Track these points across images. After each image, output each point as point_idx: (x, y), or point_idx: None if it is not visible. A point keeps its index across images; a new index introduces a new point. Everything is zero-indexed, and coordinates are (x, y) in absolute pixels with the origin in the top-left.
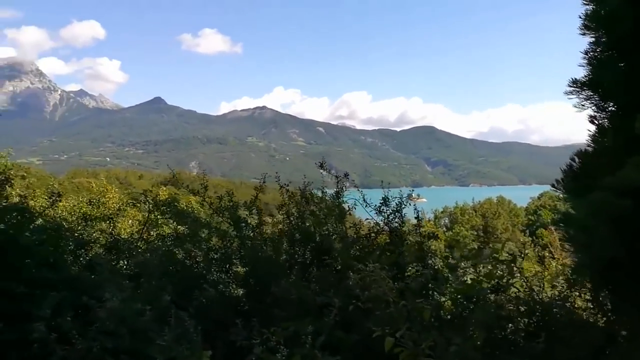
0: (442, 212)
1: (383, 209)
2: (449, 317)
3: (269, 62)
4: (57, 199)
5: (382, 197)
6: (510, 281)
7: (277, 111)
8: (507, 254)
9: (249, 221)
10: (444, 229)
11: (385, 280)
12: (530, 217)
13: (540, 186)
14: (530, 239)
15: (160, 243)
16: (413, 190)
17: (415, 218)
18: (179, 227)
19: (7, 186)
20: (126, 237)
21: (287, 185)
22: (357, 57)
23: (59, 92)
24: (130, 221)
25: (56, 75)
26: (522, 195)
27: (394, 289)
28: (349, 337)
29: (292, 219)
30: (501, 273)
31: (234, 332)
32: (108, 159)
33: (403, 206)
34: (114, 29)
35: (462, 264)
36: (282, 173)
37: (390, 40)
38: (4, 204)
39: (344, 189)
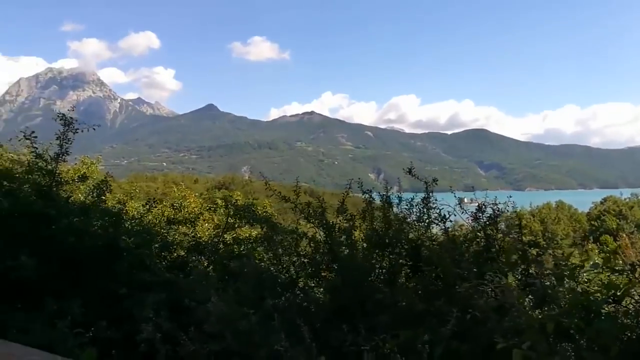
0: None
1: (479, 215)
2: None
3: (316, 68)
4: (153, 205)
5: (478, 204)
6: (632, 291)
7: (325, 116)
8: (621, 263)
9: (338, 226)
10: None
11: (514, 289)
12: (593, 222)
13: (602, 190)
14: (595, 245)
15: (239, 247)
16: (454, 194)
17: (517, 225)
18: (259, 230)
19: (107, 192)
20: (206, 239)
21: (370, 192)
22: (405, 60)
23: (119, 101)
24: (206, 224)
25: (115, 84)
26: (583, 200)
27: (521, 298)
28: (467, 348)
29: (375, 224)
30: (619, 282)
31: (337, 338)
32: (164, 164)
33: (498, 212)
34: (168, 39)
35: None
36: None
37: (439, 42)
38: (103, 208)
39: (398, 192)
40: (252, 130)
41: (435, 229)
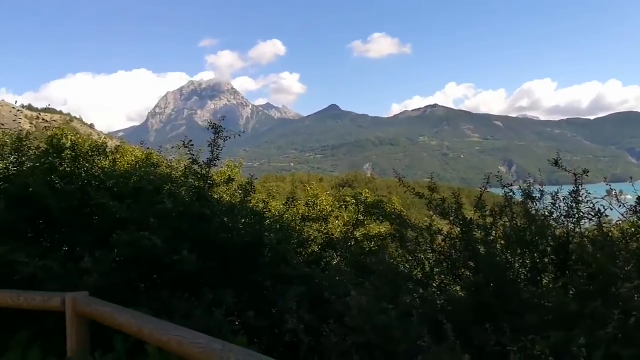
0: None
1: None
2: None
3: (439, 59)
4: (292, 203)
5: (639, 196)
6: None
7: (449, 108)
8: None
9: (476, 222)
10: None
11: None
12: None
13: None
14: None
15: (370, 243)
16: (609, 185)
17: None
18: (388, 227)
19: (251, 193)
20: (338, 236)
21: (511, 185)
22: (536, 43)
23: (250, 107)
24: (337, 221)
25: (247, 91)
26: None
27: None
28: (630, 353)
29: (517, 220)
30: None
31: (480, 337)
32: (292, 164)
33: None
34: (293, 45)
35: None
36: (456, 171)
37: (574, 17)
38: (250, 207)
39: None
40: (373, 128)
41: (586, 225)
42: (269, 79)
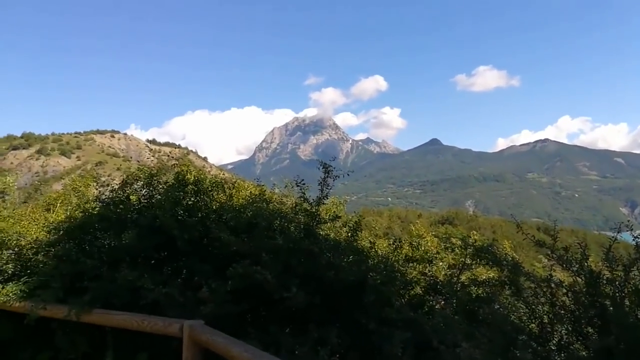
0: None
1: None
2: None
3: (550, 92)
4: (399, 244)
5: None
6: None
7: (562, 143)
8: None
9: (604, 276)
10: None
11: None
12: None
13: None
14: None
15: (477, 289)
16: None
17: None
18: (497, 272)
19: (358, 231)
20: (442, 279)
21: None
22: None
23: (350, 142)
24: (441, 263)
25: (348, 126)
26: None
27: None
28: None
29: None
30: None
31: None
32: (389, 198)
33: None
34: (395, 80)
35: None
36: (569, 211)
37: None
38: (354, 245)
39: None
40: (477, 163)
41: None
42: (369, 114)
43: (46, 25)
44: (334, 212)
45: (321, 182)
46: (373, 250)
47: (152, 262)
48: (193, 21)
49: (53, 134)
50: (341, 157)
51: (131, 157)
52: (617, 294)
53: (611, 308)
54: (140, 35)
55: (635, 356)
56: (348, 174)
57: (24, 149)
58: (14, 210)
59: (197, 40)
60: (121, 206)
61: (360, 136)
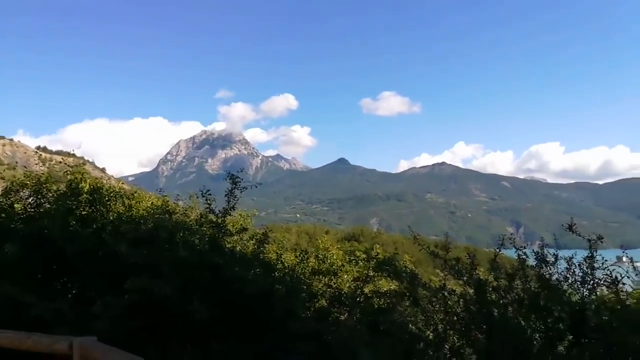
0: None
1: None
2: None
3: (448, 119)
4: (306, 256)
5: None
6: None
7: (457, 167)
8: None
9: (490, 284)
10: None
11: None
12: None
13: None
14: None
15: (379, 300)
16: (625, 252)
17: None
18: (398, 284)
19: (265, 244)
20: (346, 291)
21: (524, 247)
22: (546, 105)
23: (260, 157)
24: (345, 276)
25: (258, 142)
26: None
27: None
28: None
29: (530, 284)
30: None
31: None
32: (298, 215)
33: None
34: (305, 99)
35: None
36: (463, 230)
37: (583, 83)
38: (261, 258)
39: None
40: (381, 183)
41: (601, 292)
42: (279, 131)
43: None
44: (241, 224)
45: (228, 194)
46: (280, 262)
47: (39, 275)
48: (96, 19)
49: None
50: (251, 172)
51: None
52: (502, 301)
53: (496, 313)
54: (30, 31)
55: (515, 357)
56: (256, 186)
57: None
58: None
59: (99, 41)
60: (3, 215)
61: (270, 152)
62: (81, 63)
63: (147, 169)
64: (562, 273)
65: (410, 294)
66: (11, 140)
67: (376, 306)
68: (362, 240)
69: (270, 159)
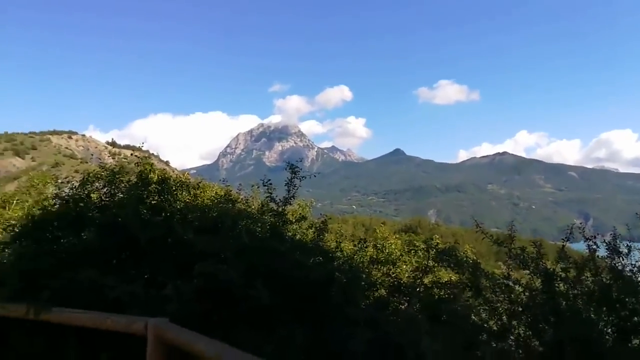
0: None
1: None
2: None
3: (509, 106)
4: (365, 244)
5: None
6: None
7: (519, 156)
8: None
9: (558, 274)
10: None
11: None
12: None
13: None
14: None
15: (439, 290)
16: None
17: None
18: (458, 275)
19: (324, 232)
20: (406, 281)
21: (594, 238)
22: (617, 90)
23: (315, 149)
24: (404, 266)
25: (313, 134)
26: None
27: None
28: None
29: (602, 276)
30: None
31: None
32: (354, 206)
33: None
34: (360, 91)
35: None
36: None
37: None
38: (321, 246)
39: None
40: (439, 173)
41: None
42: (334, 122)
43: None
44: (300, 213)
45: (288, 183)
46: (339, 251)
47: (114, 261)
48: (160, 21)
49: (6, 133)
50: (306, 164)
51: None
52: (570, 292)
53: (564, 305)
54: (100, 32)
55: (585, 350)
56: (315, 176)
57: None
58: None
59: (162, 42)
60: (81, 204)
61: (326, 144)
62: (147, 62)
63: (208, 162)
64: (637, 264)
65: (472, 285)
66: (83, 135)
67: (437, 297)
68: (420, 232)
69: (325, 151)
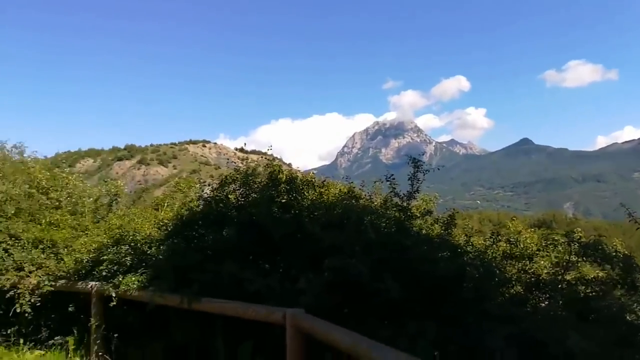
0: None
1: None
2: None
3: None
4: (497, 238)
5: None
6: None
7: None
8: None
9: None
10: None
11: None
12: None
13: None
14: None
15: (585, 288)
16: None
17: None
18: (606, 272)
19: (452, 227)
20: (545, 277)
21: None
22: None
23: (433, 144)
24: (542, 261)
25: (430, 129)
26: None
27: None
28: None
29: None
30: None
31: None
32: (478, 201)
33: None
34: (478, 79)
35: None
36: None
37: None
38: (448, 240)
39: None
40: (574, 162)
41: None
42: (452, 115)
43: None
44: (425, 208)
45: (411, 177)
46: (469, 245)
47: (251, 256)
48: (271, 34)
49: (152, 145)
50: (425, 159)
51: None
52: None
53: None
54: (220, 47)
55: None
56: (438, 169)
57: (127, 159)
58: (128, 209)
59: (279, 51)
60: (221, 204)
61: (444, 138)
62: (267, 72)
63: (327, 162)
64: None
65: (624, 281)
66: (215, 143)
67: (582, 294)
68: (555, 226)
69: (444, 145)
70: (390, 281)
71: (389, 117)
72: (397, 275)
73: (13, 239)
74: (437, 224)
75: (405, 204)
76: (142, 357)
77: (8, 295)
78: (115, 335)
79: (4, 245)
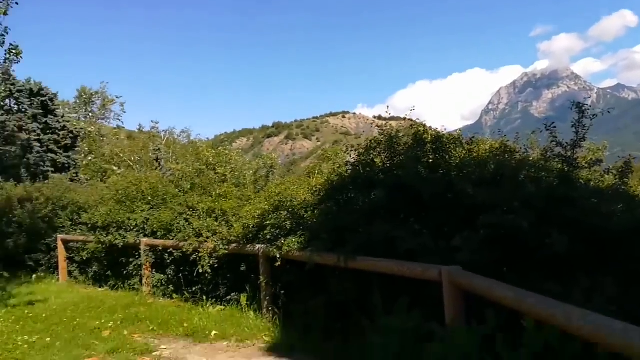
0: None
1: None
2: None
3: None
4: None
5: None
6: None
7: None
8: None
9: None
10: None
11: None
12: None
13: None
14: None
15: None
16: None
17: None
18: None
19: (627, 176)
20: None
21: None
22: None
23: (595, 91)
24: None
25: (590, 74)
26: None
27: None
28: None
29: None
30: None
31: None
32: None
33: None
34: None
35: None
36: None
37: None
38: (622, 192)
39: None
40: None
41: None
42: (617, 56)
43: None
44: (592, 158)
45: (575, 124)
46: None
47: (401, 216)
48: None
49: (296, 120)
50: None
51: (362, 134)
52: None
53: None
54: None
55: None
56: (608, 112)
57: (275, 136)
58: (283, 179)
59: (411, 15)
60: (368, 168)
61: (608, 83)
62: (399, 30)
63: (470, 122)
64: None
65: None
66: (354, 113)
67: None
68: None
69: (609, 91)
70: (557, 235)
71: (540, 66)
72: (564, 229)
73: (191, 210)
74: (608, 174)
75: (569, 154)
76: (305, 312)
77: (191, 258)
78: (282, 292)
79: (185, 215)
